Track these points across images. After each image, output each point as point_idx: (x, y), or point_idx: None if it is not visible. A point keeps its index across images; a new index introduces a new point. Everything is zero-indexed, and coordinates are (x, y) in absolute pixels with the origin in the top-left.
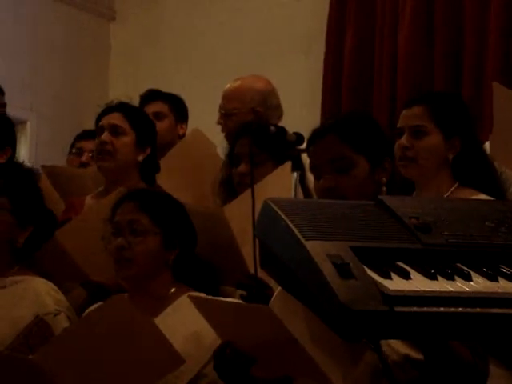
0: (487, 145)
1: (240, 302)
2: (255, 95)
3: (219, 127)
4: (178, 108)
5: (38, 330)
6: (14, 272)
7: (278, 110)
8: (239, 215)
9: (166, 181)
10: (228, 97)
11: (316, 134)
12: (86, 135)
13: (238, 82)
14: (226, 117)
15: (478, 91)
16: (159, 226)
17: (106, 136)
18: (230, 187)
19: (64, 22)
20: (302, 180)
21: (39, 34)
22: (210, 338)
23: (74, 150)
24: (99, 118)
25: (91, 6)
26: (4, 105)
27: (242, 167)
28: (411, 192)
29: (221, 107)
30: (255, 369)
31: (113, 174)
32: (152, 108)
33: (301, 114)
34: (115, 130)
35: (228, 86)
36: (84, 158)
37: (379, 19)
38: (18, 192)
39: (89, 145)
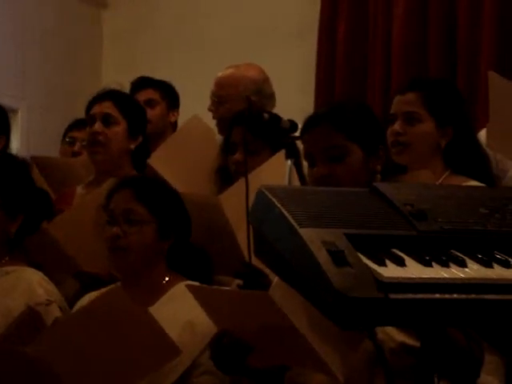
0: (482, 133)
1: (237, 289)
2: (249, 83)
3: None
4: (170, 95)
5: (30, 319)
6: (5, 262)
7: (271, 99)
8: (234, 203)
9: (163, 167)
10: (221, 84)
11: (310, 122)
12: (77, 124)
13: (231, 70)
14: (218, 103)
15: (472, 79)
16: (155, 215)
17: (98, 126)
18: (226, 175)
19: (55, 10)
20: (298, 166)
21: (30, 21)
22: (205, 326)
23: (66, 139)
24: (90, 106)
25: None
26: None
27: (238, 155)
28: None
29: (213, 94)
30: (251, 358)
31: (105, 165)
32: (143, 95)
33: (294, 101)
34: (107, 120)
35: (221, 73)
36: (76, 148)
37: (372, 7)
38: (6, 186)
39: (81, 134)
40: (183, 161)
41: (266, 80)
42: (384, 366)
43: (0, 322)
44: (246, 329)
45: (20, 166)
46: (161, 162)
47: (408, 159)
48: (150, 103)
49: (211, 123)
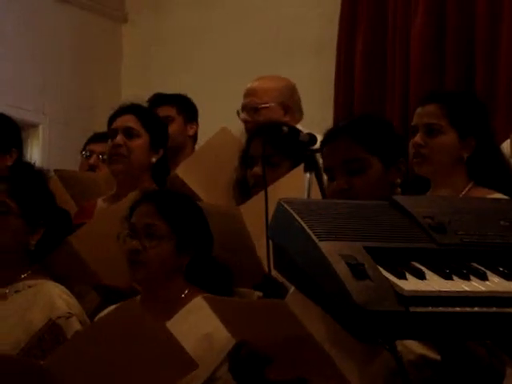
0: (505, 145)
1: (254, 299)
2: (283, 89)
3: (232, 128)
4: (186, 108)
5: (51, 333)
6: (27, 276)
7: (300, 108)
8: (253, 216)
9: (191, 178)
10: (255, 93)
11: (329, 136)
12: (96, 138)
13: (263, 79)
14: (255, 112)
15: (491, 88)
16: (175, 231)
17: (120, 139)
18: (245, 189)
19: (75, 25)
20: (319, 180)
21: (50, 37)
22: (223, 340)
23: (84, 153)
24: (111, 120)
25: (102, 9)
26: None
27: (257, 169)
28: (425, 191)
29: (248, 104)
30: (270, 370)
31: (125, 177)
32: (160, 113)
33: (313, 115)
34: (129, 133)
35: (251, 84)
36: (92, 161)
37: (391, 20)
38: (26, 194)
39: (98, 147)
40: (211, 172)
41: (295, 89)
42: (404, 379)
43: (22, 336)
44: (263, 340)
45: (37, 176)
46: (189, 173)
47: (429, 171)
48: (167, 120)
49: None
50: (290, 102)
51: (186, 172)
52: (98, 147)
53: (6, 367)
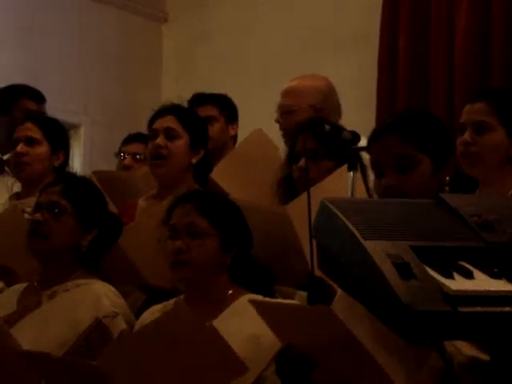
0: None
1: (300, 304)
2: (315, 93)
3: (275, 128)
4: (228, 109)
5: (97, 332)
6: (77, 275)
7: (337, 110)
8: (298, 216)
9: (225, 181)
10: (287, 94)
11: (378, 133)
12: (129, 139)
13: (298, 80)
14: (285, 114)
15: None
16: (217, 227)
17: (160, 140)
18: (290, 187)
19: (116, 26)
20: (364, 178)
21: (91, 38)
22: (269, 340)
23: (120, 154)
24: (152, 120)
25: (143, 9)
26: (44, 114)
27: (303, 162)
28: (474, 190)
29: (280, 105)
30: (317, 373)
31: (167, 179)
32: (202, 113)
33: (355, 112)
34: (169, 134)
35: (289, 84)
36: (127, 162)
37: (434, 14)
38: (80, 196)
39: (131, 148)
40: (245, 174)
41: (332, 90)
42: (454, 381)
43: (70, 335)
44: (310, 343)
45: (87, 180)
46: (223, 175)
47: (480, 171)
48: (210, 120)
49: (274, 136)
50: (324, 104)
51: (219, 175)
52: (131, 148)
53: (61, 369)
